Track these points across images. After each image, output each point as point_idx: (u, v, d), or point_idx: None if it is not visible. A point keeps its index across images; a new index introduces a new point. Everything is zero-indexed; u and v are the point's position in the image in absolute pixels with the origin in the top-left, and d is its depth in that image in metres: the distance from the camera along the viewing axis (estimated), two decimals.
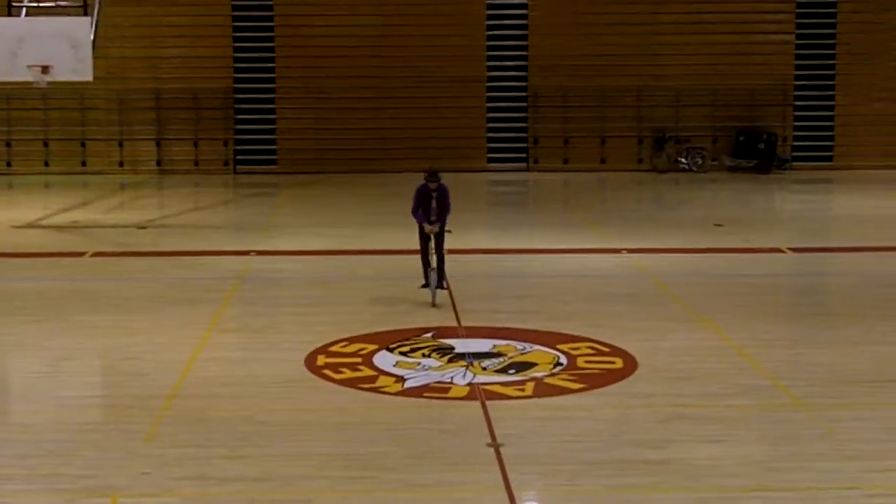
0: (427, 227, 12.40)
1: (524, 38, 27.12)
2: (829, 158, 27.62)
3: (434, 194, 12.30)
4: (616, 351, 10.69)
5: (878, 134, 27.31)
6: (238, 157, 27.02)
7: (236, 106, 26.91)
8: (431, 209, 12.35)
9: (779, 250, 16.50)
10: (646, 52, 26.90)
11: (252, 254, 15.94)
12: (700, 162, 26.93)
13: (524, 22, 27.12)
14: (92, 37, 18.72)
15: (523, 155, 27.26)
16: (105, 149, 26.69)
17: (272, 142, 27.08)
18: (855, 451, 8.14)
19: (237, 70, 26.85)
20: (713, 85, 27.07)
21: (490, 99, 27.21)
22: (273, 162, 27.03)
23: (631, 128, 27.20)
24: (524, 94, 27.28)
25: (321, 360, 10.36)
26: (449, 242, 15.96)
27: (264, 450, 8.16)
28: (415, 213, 12.37)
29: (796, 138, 27.59)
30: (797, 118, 27.55)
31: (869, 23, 27.24)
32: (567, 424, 8.73)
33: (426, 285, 12.64)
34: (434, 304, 12.38)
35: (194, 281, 14.22)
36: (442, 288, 12.61)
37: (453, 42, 26.87)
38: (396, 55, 26.73)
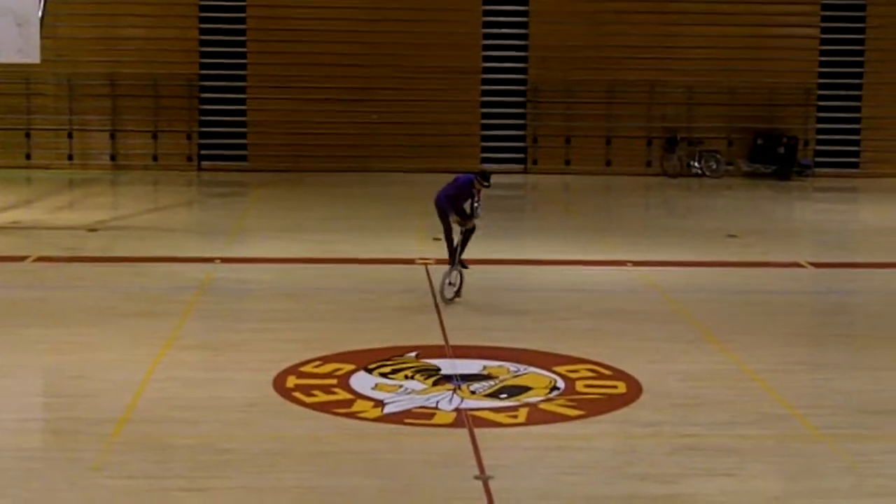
0: (455, 219, 13.15)
1: (524, 25, 27.18)
2: (855, 165, 27.74)
3: (475, 191, 13.14)
4: (619, 374, 10.68)
5: None
6: (203, 153, 26.97)
7: (202, 95, 26.87)
8: (466, 203, 13.12)
9: (799, 265, 16.54)
10: (657, 44, 26.97)
11: (216, 261, 15.88)
12: (714, 166, 27.00)
13: (524, 8, 27.18)
14: (40, 13, 18.62)
15: (521, 155, 27.29)
16: (53, 140, 26.59)
17: (241, 136, 27.04)
18: (880, 487, 8.13)
19: (203, 55, 26.81)
20: (730, 82, 27.16)
21: (485, 93, 27.25)
22: (242, 158, 27.00)
23: (639, 127, 27.27)
24: (523, 87, 27.32)
25: (291, 381, 10.31)
26: (438, 251, 15.89)
27: (226, 481, 8.10)
28: (441, 204, 13.10)
29: (819, 142, 27.70)
30: (820, 120, 27.66)
31: None
32: (564, 455, 8.70)
33: (461, 264, 13.34)
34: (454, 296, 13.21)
35: (150, 291, 14.15)
36: (464, 267, 13.44)
37: (445, 29, 26.90)
38: (381, 42, 26.74)
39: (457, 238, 13.36)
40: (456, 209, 13.17)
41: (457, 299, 13.42)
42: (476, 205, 13.09)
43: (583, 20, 27.01)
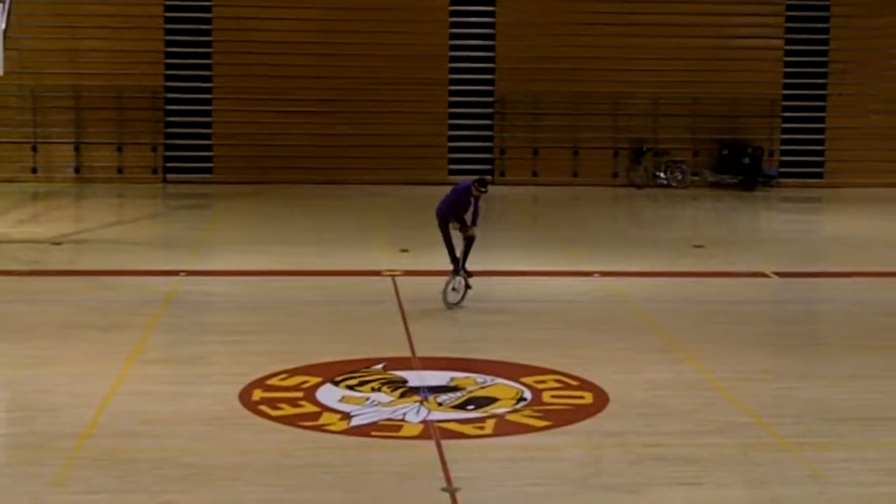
0: (455, 226, 13.59)
1: (491, 37, 27.27)
2: (819, 175, 28.00)
3: (473, 199, 13.64)
4: (585, 384, 10.73)
5: (872, 149, 27.71)
6: (168, 165, 26.85)
7: (167, 107, 26.76)
8: (469, 212, 13.63)
9: (764, 275, 16.67)
10: (622, 55, 27.14)
11: (181, 274, 15.82)
12: (680, 177, 27.18)
13: (491, 20, 27.27)
14: (3, 25, 18.53)
15: (488, 166, 27.34)
16: (16, 153, 26.38)
17: (207, 148, 26.95)
18: (844, 494, 8.22)
19: (168, 67, 26.72)
20: (694, 93, 27.36)
21: (453, 104, 27.30)
22: (208, 170, 26.90)
23: (606, 138, 27.40)
24: (490, 99, 27.40)
25: (257, 394, 10.29)
26: (405, 263, 15.92)
27: (191, 496, 8.06)
28: (442, 214, 13.58)
29: (784, 153, 27.93)
30: (785, 131, 27.90)
31: (864, 28, 27.68)
32: (530, 466, 8.73)
33: (465, 272, 13.81)
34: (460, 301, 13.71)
35: (115, 304, 14.08)
36: (468, 276, 13.95)
37: (413, 41, 26.95)
38: (349, 53, 26.74)
39: (459, 247, 13.79)
40: (456, 216, 13.62)
41: (461, 305, 13.74)
42: (476, 212, 13.58)
43: (549, 32, 27.14)
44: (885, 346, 12.46)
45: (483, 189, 13.62)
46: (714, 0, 27.29)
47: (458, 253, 13.83)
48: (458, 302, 13.83)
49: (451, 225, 13.66)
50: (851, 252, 18.99)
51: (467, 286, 13.92)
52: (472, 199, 13.61)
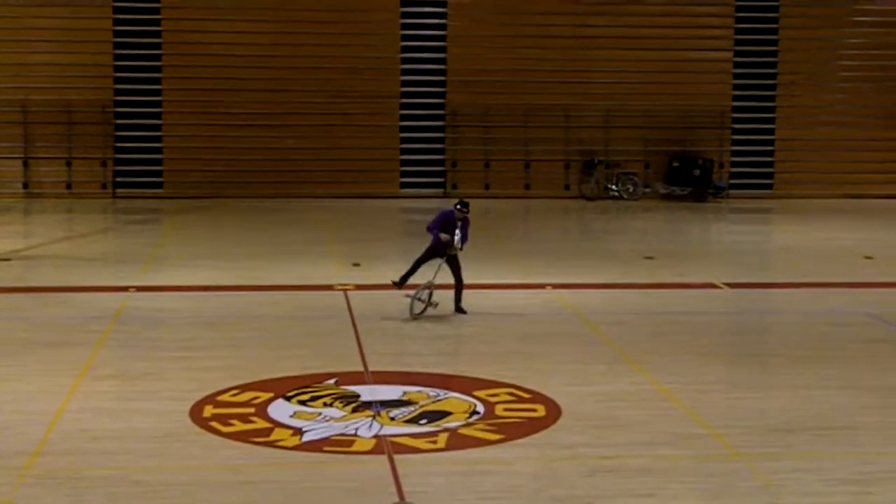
0: (444, 237, 13.86)
1: (442, 49, 27.36)
2: (769, 186, 28.34)
3: (459, 223, 13.95)
4: (538, 397, 10.77)
5: (820, 160, 28.12)
6: (118, 180, 26.65)
7: (116, 121, 26.58)
8: (452, 234, 13.94)
9: (714, 286, 16.83)
10: (573, 68, 27.33)
11: (132, 290, 15.72)
12: (631, 189, 27.40)
13: (442, 33, 27.37)
14: None
15: (440, 179, 27.41)
16: None
17: (158, 162, 26.78)
18: None
19: (118, 80, 26.54)
20: (645, 105, 27.61)
21: (404, 117, 27.35)
22: (158, 185, 26.73)
23: (557, 151, 27.56)
24: (441, 111, 27.48)
25: (208, 410, 10.23)
26: (357, 277, 15.92)
27: None
28: (431, 230, 14.02)
29: (734, 164, 28.26)
30: (735, 143, 28.22)
31: (813, 40, 28.08)
32: (483, 480, 8.74)
33: (400, 284, 14.04)
34: (412, 316, 13.84)
35: (64, 321, 13.95)
36: (462, 312, 14.22)
37: (364, 54, 26.98)
38: (300, 66, 26.72)
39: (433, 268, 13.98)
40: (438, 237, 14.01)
41: (428, 310, 13.95)
42: (459, 235, 13.90)
43: (500, 45, 27.28)
44: (832, 357, 12.62)
45: (464, 210, 13.97)
46: (664, 13, 27.57)
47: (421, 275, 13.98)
48: (420, 313, 13.95)
49: (442, 237, 13.86)
50: (801, 262, 19.22)
51: (429, 300, 14.02)
52: (458, 224, 13.92)
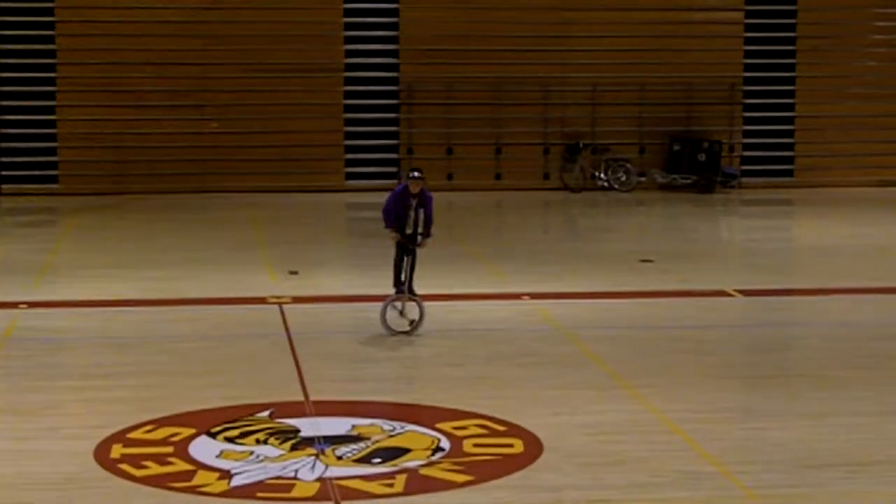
0: (394, 236, 13.67)
1: (394, 13, 27.41)
2: (789, 173, 28.58)
3: (414, 201, 13.56)
4: (514, 430, 10.80)
5: (849, 141, 28.35)
6: (3, 174, 26.54)
7: (2, 104, 26.44)
8: (409, 219, 13.61)
9: (725, 293, 16.94)
10: (554, 33, 27.45)
11: (22, 306, 15.67)
12: (623, 178, 27.55)
13: None
14: None
15: (393, 169, 27.46)
16: None
17: (51, 152, 26.69)
18: None
19: (4, 65, 26.39)
20: (640, 78, 27.77)
21: (349, 94, 27.38)
22: (52, 179, 26.65)
23: (534, 133, 27.68)
24: (394, 87, 27.53)
25: (117, 450, 10.22)
26: (294, 288, 15.91)
27: None
28: (387, 213, 13.66)
29: (746, 147, 28.48)
30: (747, 121, 28.44)
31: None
32: None
33: (409, 291, 13.88)
34: (409, 330, 13.86)
35: None
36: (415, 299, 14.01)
37: (300, 18, 26.98)
38: (221, 35, 26.71)
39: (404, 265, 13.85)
40: (404, 230, 13.66)
41: (414, 333, 13.85)
42: (419, 217, 13.52)
43: (464, 4, 27.33)
44: (871, 378, 12.71)
45: (420, 177, 13.54)
46: None
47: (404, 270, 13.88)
48: (410, 331, 13.91)
49: (390, 235, 13.72)
50: (826, 264, 19.39)
51: (421, 310, 13.98)
52: (412, 202, 13.57)
